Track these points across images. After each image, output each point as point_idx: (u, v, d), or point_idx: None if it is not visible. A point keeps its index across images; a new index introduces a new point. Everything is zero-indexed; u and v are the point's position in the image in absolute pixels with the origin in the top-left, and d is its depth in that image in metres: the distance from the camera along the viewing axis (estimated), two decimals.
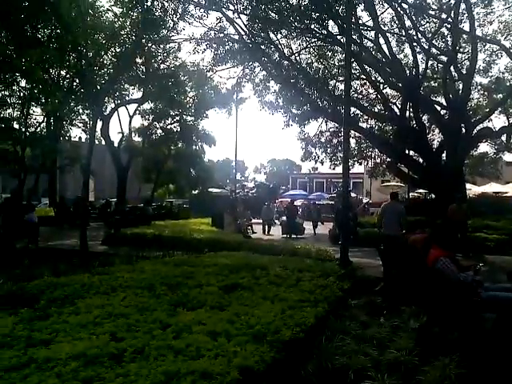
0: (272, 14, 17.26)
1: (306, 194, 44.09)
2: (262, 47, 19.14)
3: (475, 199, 22.54)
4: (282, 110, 21.40)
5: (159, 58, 19.76)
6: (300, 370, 3.87)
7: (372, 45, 20.30)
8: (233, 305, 4.96)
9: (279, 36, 19.67)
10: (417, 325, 5.09)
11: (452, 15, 18.88)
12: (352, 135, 24.52)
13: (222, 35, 18.66)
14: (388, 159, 22.64)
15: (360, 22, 19.75)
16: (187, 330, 4.05)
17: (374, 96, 22.98)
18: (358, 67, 20.55)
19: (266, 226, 21.06)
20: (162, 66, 20.58)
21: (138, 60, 18.44)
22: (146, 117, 28.05)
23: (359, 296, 6.36)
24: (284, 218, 21.57)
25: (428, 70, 22.25)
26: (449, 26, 19.82)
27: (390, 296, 6.19)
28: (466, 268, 5.23)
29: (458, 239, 12.23)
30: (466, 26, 19.31)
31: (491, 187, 28.73)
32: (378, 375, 3.73)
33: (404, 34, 19.86)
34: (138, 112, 27.47)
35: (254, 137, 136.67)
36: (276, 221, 25.22)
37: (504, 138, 24.09)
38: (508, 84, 20.48)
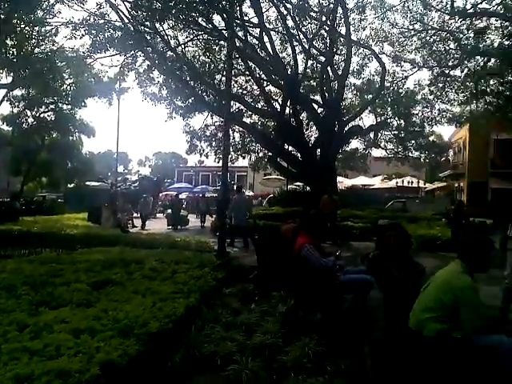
0: (157, 4, 16.83)
1: (192, 187, 44.04)
2: (147, 36, 18.57)
3: (345, 191, 24.49)
4: (165, 101, 21.02)
5: (33, 41, 18.15)
6: (167, 361, 3.88)
7: (257, 42, 20.86)
8: (101, 301, 4.78)
9: (165, 26, 19.28)
10: (284, 309, 5.38)
11: (330, 19, 20.17)
12: (236, 130, 25.07)
13: (102, 21, 17.67)
14: (269, 153, 23.54)
15: (246, 18, 20.15)
16: (48, 330, 3.82)
17: (258, 92, 23.67)
18: (242, 63, 20.97)
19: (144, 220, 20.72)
20: (36, 50, 18.91)
21: (8, 42, 16.75)
22: (16, 104, 25.59)
23: (233, 285, 6.55)
24: (169, 210, 21.69)
25: (308, 70, 23.48)
26: (327, 28, 21.12)
27: (262, 283, 6.47)
28: (329, 254, 5.65)
29: (328, 228, 13.27)
30: (343, 30, 20.80)
31: (360, 180, 31.51)
32: (242, 359, 3.88)
33: (286, 33, 20.71)
34: (6, 98, 24.93)
35: (139, 129, 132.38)
36: (160, 214, 24.80)
37: (372, 135, 26.50)
38: (377, 86, 22.47)
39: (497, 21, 18.59)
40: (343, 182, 30.48)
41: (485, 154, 30.89)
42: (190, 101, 21.10)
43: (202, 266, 6.83)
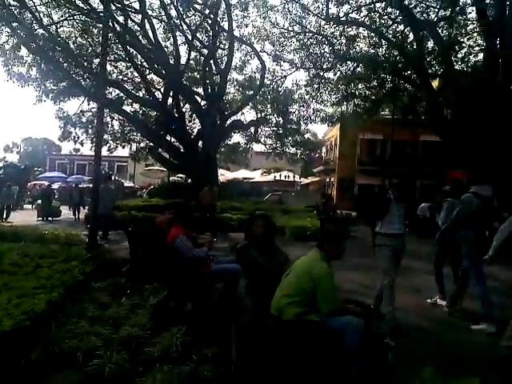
0: None
1: (65, 176, 41.15)
2: (13, 10, 16.85)
3: (227, 183, 24.97)
4: (34, 83, 19.31)
5: None
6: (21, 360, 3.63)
7: (139, 28, 20.16)
8: None
9: (37, 1, 17.68)
10: (155, 301, 5.33)
11: (214, 12, 20.23)
12: (116, 118, 24.04)
13: None
14: (151, 144, 22.99)
15: (127, 2, 19.33)
16: None
17: (139, 80, 22.91)
18: (122, 48, 20.11)
19: (5, 211, 18.91)
20: None
21: None
22: None
23: (104, 279, 6.31)
24: (39, 201, 20.06)
25: (191, 61, 23.35)
26: (210, 22, 21.16)
27: (134, 276, 6.33)
28: (202, 245, 5.73)
29: (207, 219, 13.40)
30: (226, 25, 21.00)
31: (241, 173, 32.35)
32: (107, 353, 3.78)
33: (169, 22, 20.32)
34: None
35: (4, 112, 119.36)
36: (29, 205, 22.78)
37: (253, 130, 27.32)
38: (257, 83, 23.16)
39: (364, 30, 20.37)
40: (225, 175, 30.99)
41: (353, 152, 33.64)
42: (64, 84, 19.66)
43: (69, 259, 6.46)
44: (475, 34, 19.04)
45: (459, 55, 19.13)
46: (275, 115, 27.01)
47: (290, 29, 21.43)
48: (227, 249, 8.93)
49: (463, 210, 5.51)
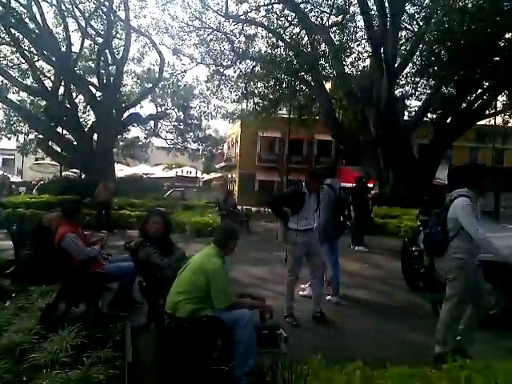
0: None
1: None
2: None
3: (126, 179, 24.11)
4: None
5: None
6: None
7: (25, 10, 18.64)
8: None
9: None
10: (44, 304, 5.03)
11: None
12: (0, 106, 22.09)
13: None
14: (40, 136, 21.41)
15: None
16: None
17: (27, 67, 21.17)
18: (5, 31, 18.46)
19: None
20: None
21: None
22: None
23: None
24: None
25: (86, 50, 22.16)
26: (105, 9, 20.22)
27: (20, 278, 5.91)
28: (94, 243, 5.51)
29: (102, 216, 12.93)
30: (122, 14, 20.18)
31: (141, 169, 31.48)
32: None
33: (60, 6, 19.07)
34: None
35: None
36: None
37: (152, 124, 26.70)
38: (156, 76, 22.64)
39: (263, 30, 20.90)
40: (123, 170, 29.87)
41: (253, 149, 34.35)
42: None
43: None
44: (363, 41, 20.53)
45: (349, 60, 20.47)
46: (176, 110, 26.66)
47: (190, 23, 21.24)
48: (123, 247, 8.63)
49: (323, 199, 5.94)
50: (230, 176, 39.02)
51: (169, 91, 24.92)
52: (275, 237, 5.68)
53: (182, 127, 27.12)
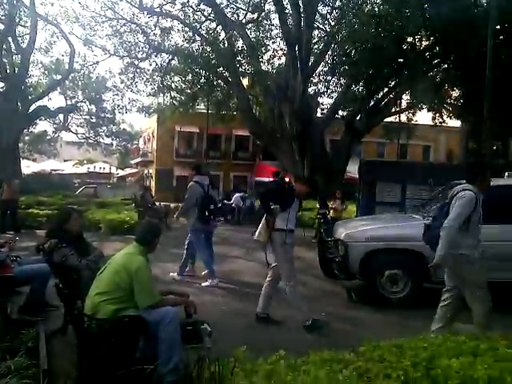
0: None
1: None
2: None
3: (32, 176, 22.65)
4: None
5: None
6: None
7: None
8: None
9: None
10: None
11: None
12: None
13: None
14: None
15: None
16: None
17: None
18: None
19: None
20: None
21: None
22: None
23: None
24: None
25: None
26: None
27: None
28: (1, 245, 5.15)
29: (7, 216, 12.05)
30: (27, 0, 18.82)
31: (49, 164, 29.69)
32: None
33: None
34: None
35: None
36: None
37: (62, 117, 25.25)
38: (66, 67, 21.40)
39: (179, 24, 20.58)
40: (30, 167, 27.97)
41: (171, 144, 33.78)
42: None
43: None
44: (278, 39, 20.99)
45: (265, 57, 20.84)
46: (87, 103, 25.42)
47: (102, 13, 20.30)
48: (33, 248, 8.13)
49: (189, 195, 6.72)
50: (146, 172, 38.06)
51: (80, 83, 23.72)
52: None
53: (94, 121, 25.96)
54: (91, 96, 24.27)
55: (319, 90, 21.37)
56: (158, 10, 20.23)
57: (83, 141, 27.72)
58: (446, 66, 17.15)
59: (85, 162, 36.26)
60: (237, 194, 18.54)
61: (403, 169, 10.25)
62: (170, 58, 20.97)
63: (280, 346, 3.09)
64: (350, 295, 6.24)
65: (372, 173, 9.87)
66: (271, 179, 11.88)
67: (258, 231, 5.03)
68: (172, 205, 18.96)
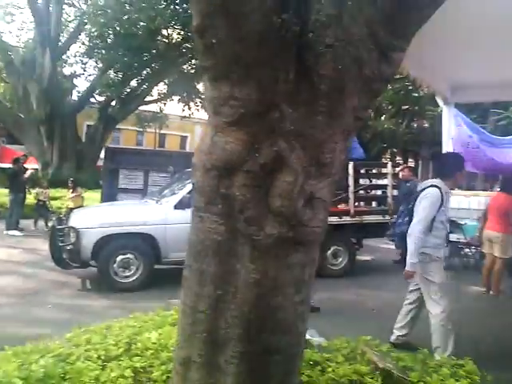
0: None
1: None
2: None
3: None
4: None
5: None
6: None
7: None
8: None
9: None
10: None
11: None
12: None
13: None
14: None
15: None
16: None
17: None
18: None
19: None
20: None
21: None
22: None
23: None
24: None
25: None
26: None
27: None
28: None
29: None
30: None
31: None
32: None
33: None
34: None
35: None
36: None
37: None
38: None
39: None
40: None
41: None
42: None
43: None
44: (27, 9, 18.66)
45: (11, 28, 18.45)
46: None
47: None
48: None
49: None
50: None
51: None
52: None
53: None
54: None
55: (75, 71, 20.01)
56: None
57: None
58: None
59: None
60: None
61: (146, 157, 10.45)
62: None
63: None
64: (84, 284, 6.05)
65: (115, 160, 9.78)
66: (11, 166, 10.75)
67: None
68: None
